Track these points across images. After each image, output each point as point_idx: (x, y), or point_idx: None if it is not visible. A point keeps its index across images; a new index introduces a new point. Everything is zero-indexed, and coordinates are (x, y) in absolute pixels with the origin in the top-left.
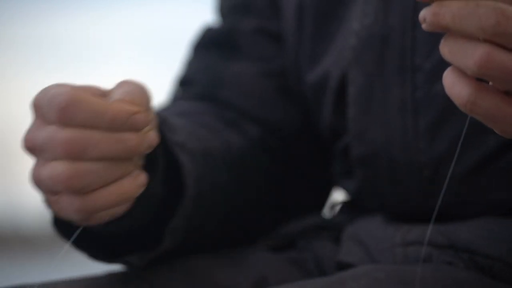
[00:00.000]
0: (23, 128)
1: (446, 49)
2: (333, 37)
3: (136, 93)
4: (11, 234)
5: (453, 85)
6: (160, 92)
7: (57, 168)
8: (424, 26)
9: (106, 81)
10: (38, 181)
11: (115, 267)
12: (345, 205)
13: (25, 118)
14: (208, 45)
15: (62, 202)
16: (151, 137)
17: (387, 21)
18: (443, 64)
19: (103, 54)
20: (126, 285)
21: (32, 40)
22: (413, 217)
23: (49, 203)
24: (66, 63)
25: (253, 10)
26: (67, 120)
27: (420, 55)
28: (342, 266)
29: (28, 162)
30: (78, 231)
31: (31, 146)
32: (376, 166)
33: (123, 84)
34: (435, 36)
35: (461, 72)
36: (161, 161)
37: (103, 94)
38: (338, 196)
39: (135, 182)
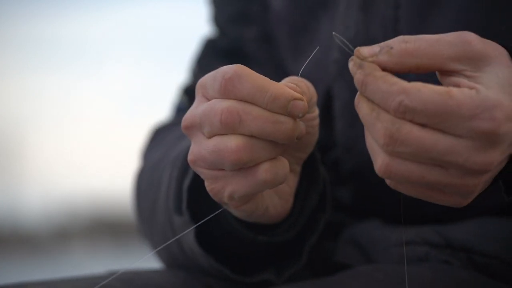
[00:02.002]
0: (23, 128)
1: (365, 134)
2: (306, 48)
3: (302, 84)
4: (11, 233)
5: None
6: (161, 91)
7: (225, 141)
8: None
9: (106, 80)
10: (198, 157)
11: (115, 267)
12: (342, 208)
13: (25, 118)
14: (214, 56)
15: (225, 179)
16: (302, 127)
17: (368, 32)
18: (426, 74)
19: (103, 54)
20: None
21: (32, 40)
22: (409, 220)
23: (207, 183)
24: (66, 63)
25: (252, 18)
26: (229, 92)
27: None
28: (341, 267)
29: (28, 162)
30: (217, 212)
31: (189, 123)
32: (368, 176)
33: (292, 77)
34: None
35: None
36: (322, 175)
37: None
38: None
39: (285, 165)
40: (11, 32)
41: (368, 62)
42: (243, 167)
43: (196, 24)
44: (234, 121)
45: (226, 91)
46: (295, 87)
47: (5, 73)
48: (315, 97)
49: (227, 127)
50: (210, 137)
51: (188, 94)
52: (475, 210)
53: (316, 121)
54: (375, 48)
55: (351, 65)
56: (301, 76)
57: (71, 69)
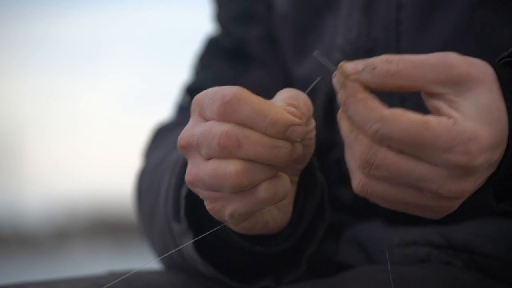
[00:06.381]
0: (23, 128)
1: (344, 149)
2: (311, 49)
3: (301, 105)
4: (11, 233)
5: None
6: (162, 91)
7: (224, 166)
8: None
9: (107, 81)
10: (196, 179)
11: (115, 267)
12: (344, 208)
13: (25, 118)
14: (216, 55)
15: (225, 199)
16: (300, 148)
17: (370, 34)
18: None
19: (103, 54)
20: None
21: (32, 40)
22: (410, 221)
23: (206, 202)
24: (66, 64)
25: (257, 18)
26: (229, 114)
27: None
28: (343, 267)
29: (28, 162)
30: (219, 227)
31: (187, 143)
32: None
33: (287, 90)
34: (419, 47)
35: None
36: (320, 183)
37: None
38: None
39: (285, 182)
40: (11, 32)
41: (350, 80)
42: (242, 190)
43: (199, 24)
44: (233, 145)
45: (225, 114)
46: (295, 111)
47: (5, 73)
48: (311, 110)
49: (225, 151)
50: (207, 159)
51: (191, 93)
52: (478, 211)
53: (313, 134)
54: (359, 65)
55: (334, 81)
56: (304, 78)
57: (72, 69)
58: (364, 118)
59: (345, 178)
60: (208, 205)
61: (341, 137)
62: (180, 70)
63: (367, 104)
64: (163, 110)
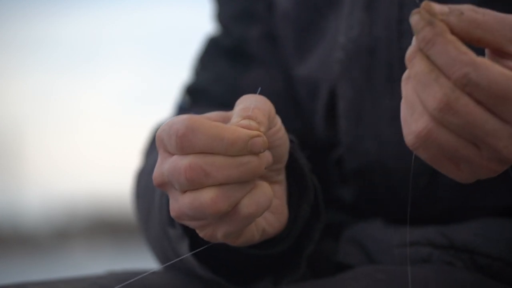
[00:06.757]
0: (23, 128)
1: (408, 89)
2: (313, 47)
3: (256, 114)
4: (11, 233)
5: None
6: (162, 91)
7: (199, 198)
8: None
9: (107, 81)
10: (179, 214)
11: (114, 267)
12: (344, 208)
13: (25, 118)
14: (217, 55)
15: (213, 225)
16: (268, 156)
17: (372, 33)
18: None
19: (103, 54)
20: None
21: (33, 40)
22: (411, 221)
23: (198, 230)
24: (66, 64)
25: (257, 17)
26: (186, 148)
27: None
28: (342, 267)
29: (28, 162)
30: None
31: (161, 181)
32: (371, 176)
33: (240, 101)
34: None
35: None
36: (312, 185)
37: (226, 117)
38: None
39: (265, 190)
40: (11, 32)
41: (438, 20)
42: (225, 213)
43: (199, 24)
44: (200, 176)
45: (183, 148)
46: (249, 124)
47: (5, 73)
48: (273, 110)
49: (195, 183)
50: (183, 192)
51: (191, 93)
52: (479, 211)
53: (281, 132)
54: (445, 8)
55: (416, 18)
56: (305, 77)
57: (72, 69)
58: (452, 60)
59: (346, 177)
60: (200, 233)
61: (342, 136)
62: (180, 70)
63: (458, 46)
64: (163, 110)
